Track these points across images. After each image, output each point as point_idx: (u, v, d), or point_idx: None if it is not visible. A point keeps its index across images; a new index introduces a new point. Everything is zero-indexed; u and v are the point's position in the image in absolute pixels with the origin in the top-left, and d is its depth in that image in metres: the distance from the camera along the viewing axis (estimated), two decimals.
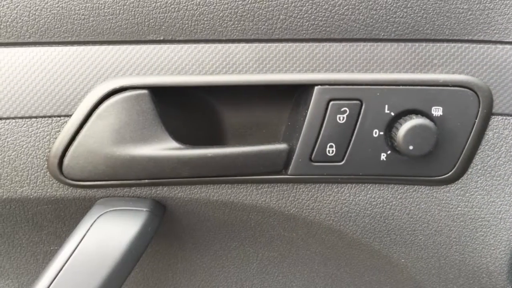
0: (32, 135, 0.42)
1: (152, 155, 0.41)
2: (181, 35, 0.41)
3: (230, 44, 0.41)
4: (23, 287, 0.55)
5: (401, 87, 0.42)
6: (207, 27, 0.41)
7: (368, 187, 0.46)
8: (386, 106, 0.42)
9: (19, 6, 0.39)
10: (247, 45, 0.41)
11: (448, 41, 0.42)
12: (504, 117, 0.43)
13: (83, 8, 0.40)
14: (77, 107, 0.41)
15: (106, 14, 0.40)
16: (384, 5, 0.41)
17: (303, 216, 0.47)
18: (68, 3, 0.39)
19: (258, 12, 0.41)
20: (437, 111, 0.42)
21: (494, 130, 0.43)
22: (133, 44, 0.41)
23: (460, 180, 0.45)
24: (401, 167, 0.43)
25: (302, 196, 0.46)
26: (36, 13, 0.40)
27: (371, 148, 0.42)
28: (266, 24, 0.41)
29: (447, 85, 0.42)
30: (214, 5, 0.40)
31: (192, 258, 0.55)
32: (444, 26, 0.42)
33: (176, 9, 0.40)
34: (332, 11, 0.41)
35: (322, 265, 0.55)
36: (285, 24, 0.41)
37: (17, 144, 0.42)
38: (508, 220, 0.46)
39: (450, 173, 0.44)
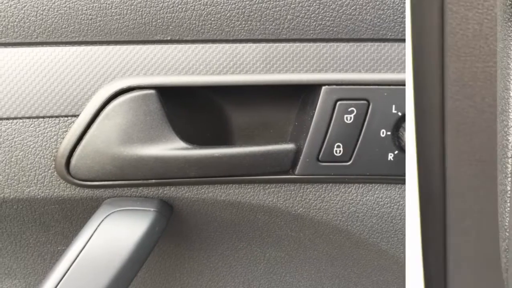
0: (40, 135, 0.42)
1: (159, 155, 0.41)
2: (188, 35, 0.41)
3: (237, 44, 0.41)
4: (30, 287, 0.55)
5: None
6: (214, 27, 0.41)
7: (376, 187, 0.45)
8: (394, 106, 0.41)
9: (26, 6, 0.39)
10: (254, 45, 0.41)
11: None
12: None
13: (90, 8, 0.40)
14: (84, 107, 0.41)
15: (113, 14, 0.40)
16: (391, 5, 0.41)
17: (311, 216, 0.47)
18: (75, 3, 0.39)
19: (265, 12, 0.40)
20: None
21: None
22: (140, 44, 0.41)
23: None
24: None
25: (309, 196, 0.46)
26: (43, 13, 0.40)
27: (378, 148, 0.42)
28: (273, 24, 0.41)
29: None
30: (221, 5, 0.40)
31: (199, 258, 0.55)
32: None
33: (184, 9, 0.40)
34: (340, 11, 0.41)
35: (329, 265, 0.54)
36: (292, 24, 0.41)
37: (25, 144, 0.42)
38: None
39: None
